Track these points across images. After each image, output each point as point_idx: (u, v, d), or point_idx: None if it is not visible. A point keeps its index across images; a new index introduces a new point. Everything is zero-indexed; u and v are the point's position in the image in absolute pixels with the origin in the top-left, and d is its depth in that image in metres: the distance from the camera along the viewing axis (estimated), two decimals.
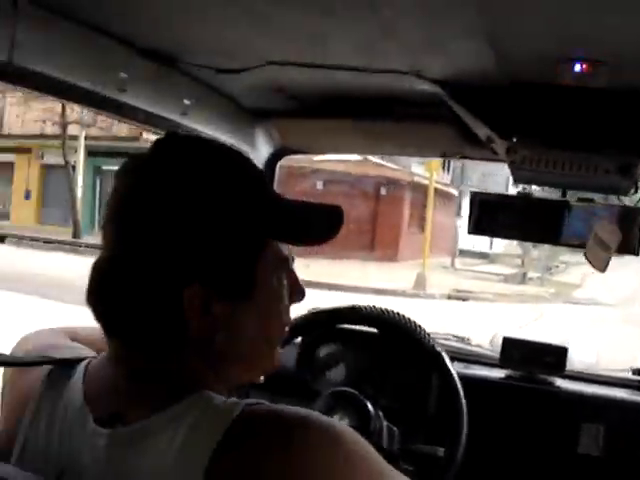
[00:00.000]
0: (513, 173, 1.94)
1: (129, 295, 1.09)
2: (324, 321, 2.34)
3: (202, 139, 1.26)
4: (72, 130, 25.80)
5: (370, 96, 2.06)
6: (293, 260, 1.24)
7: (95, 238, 24.75)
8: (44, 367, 1.22)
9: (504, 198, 2.19)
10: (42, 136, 28.19)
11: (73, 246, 23.23)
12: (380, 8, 1.34)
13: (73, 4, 1.44)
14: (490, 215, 2.13)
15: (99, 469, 1.06)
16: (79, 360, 1.21)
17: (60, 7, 1.44)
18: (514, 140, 1.80)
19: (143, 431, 1.05)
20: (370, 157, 22.79)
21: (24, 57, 1.39)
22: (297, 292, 1.24)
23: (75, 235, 24.86)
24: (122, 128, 25.78)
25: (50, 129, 27.39)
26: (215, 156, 1.16)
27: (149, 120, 1.84)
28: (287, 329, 1.25)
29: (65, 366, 1.20)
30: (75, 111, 25.89)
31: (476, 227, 2.15)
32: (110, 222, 1.13)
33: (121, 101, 1.70)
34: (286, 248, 1.21)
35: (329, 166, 22.39)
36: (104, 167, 27.26)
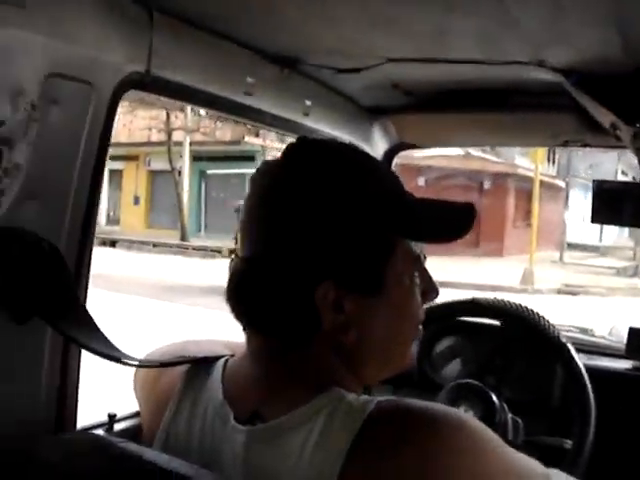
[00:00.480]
0: None
1: (268, 293, 1.14)
2: (445, 314, 2.35)
3: (331, 142, 1.31)
4: (177, 136, 26.58)
5: (488, 87, 2.05)
6: (425, 258, 1.26)
7: (202, 240, 25.48)
8: (182, 367, 1.28)
9: (628, 186, 2.14)
10: (149, 143, 29.22)
11: (181, 248, 23.95)
12: (504, 0, 1.34)
13: (203, 13, 1.51)
14: (613, 203, 2.09)
15: (238, 466, 1.11)
16: (216, 358, 1.27)
17: (191, 17, 1.52)
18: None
19: (279, 428, 1.09)
20: (472, 151, 22.46)
21: (160, 66, 1.48)
22: (430, 291, 1.25)
23: (182, 238, 25.61)
24: (225, 133, 26.40)
25: (156, 136, 28.33)
26: (345, 158, 1.20)
27: (273, 122, 1.91)
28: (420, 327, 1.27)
29: (203, 365, 1.26)
30: (179, 118, 26.70)
31: (599, 216, 2.11)
32: (248, 224, 1.19)
33: (247, 104, 1.77)
34: (418, 247, 1.22)
35: (432, 162, 22.19)
36: (208, 171, 27.98)
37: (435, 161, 22.40)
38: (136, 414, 1.66)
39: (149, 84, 1.49)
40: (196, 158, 27.04)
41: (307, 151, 1.21)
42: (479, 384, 2.09)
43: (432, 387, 2.19)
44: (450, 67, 1.81)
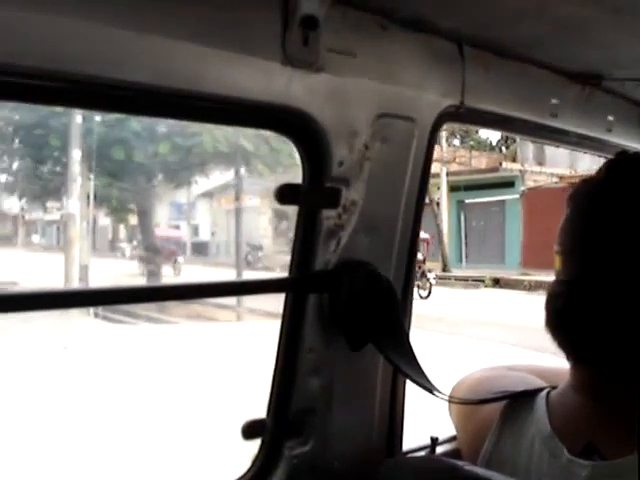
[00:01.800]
0: None
1: (596, 320, 1.10)
2: None
3: None
4: (433, 169, 26.82)
5: None
6: None
7: (462, 271, 25.30)
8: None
9: None
10: None
11: (443, 279, 23.99)
12: None
13: (510, 41, 1.53)
14: None
15: None
16: (536, 392, 1.25)
17: (498, 47, 1.54)
18: None
19: (622, 468, 1.05)
20: None
21: (473, 98, 1.51)
22: None
23: (444, 268, 25.66)
24: (480, 161, 26.21)
25: None
26: None
27: (577, 141, 1.87)
28: None
29: (523, 398, 1.25)
30: (435, 150, 26.95)
31: None
32: (570, 246, 1.16)
33: (552, 126, 1.75)
34: None
35: None
36: (466, 200, 27.86)
37: None
38: (453, 438, 1.68)
39: (463, 115, 1.54)
40: (453, 188, 27.06)
41: (630, 167, 1.17)
42: None
43: None
44: None
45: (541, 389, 1.26)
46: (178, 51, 1.07)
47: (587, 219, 1.16)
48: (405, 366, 1.36)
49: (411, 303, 1.57)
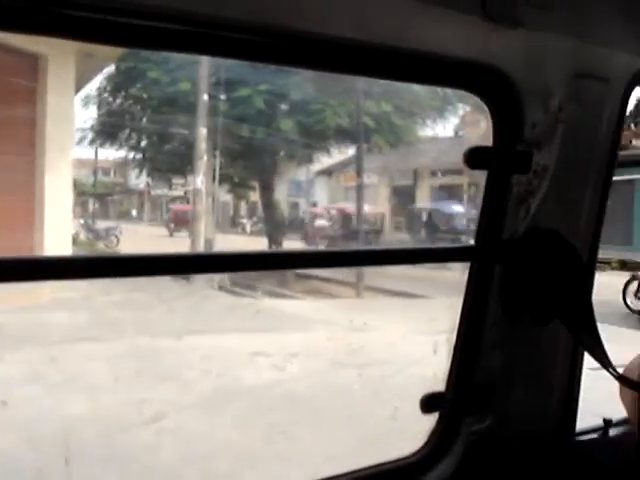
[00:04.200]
0: None
1: None
2: None
3: None
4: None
5: None
6: None
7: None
8: None
9: None
10: None
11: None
12: None
13: None
14: None
15: None
16: None
17: None
18: None
19: None
20: None
21: None
22: None
23: None
24: None
25: None
26: None
27: None
28: None
29: None
30: None
31: None
32: None
33: None
34: None
35: None
36: None
37: None
38: (626, 420, 1.59)
39: None
40: None
41: None
42: None
43: None
44: None
45: None
46: (380, 5, 1.03)
47: None
48: (589, 343, 1.30)
49: (594, 273, 1.49)
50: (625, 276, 12.15)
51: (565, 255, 1.30)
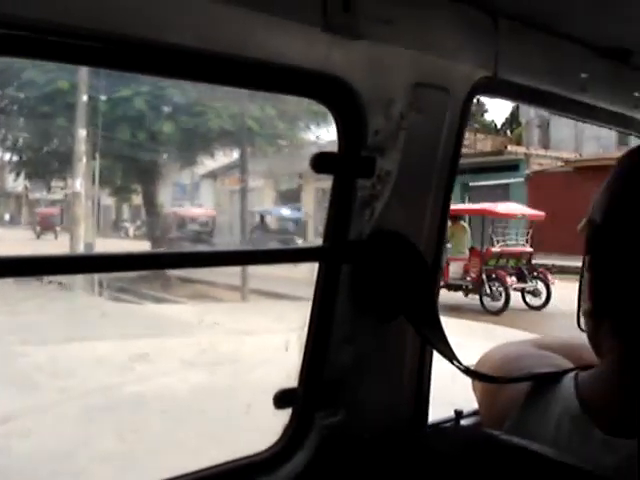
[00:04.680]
0: None
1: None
2: None
3: None
4: None
5: None
6: None
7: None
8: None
9: None
10: None
11: None
12: None
13: (543, 14, 1.51)
14: None
15: (621, 475, 1.07)
16: (564, 372, 1.23)
17: (532, 19, 1.52)
18: None
19: None
20: None
21: (506, 70, 1.50)
22: None
23: None
24: (485, 144, 26.09)
25: None
26: None
27: (605, 117, 1.85)
28: None
29: (549, 378, 1.23)
30: None
31: None
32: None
33: (581, 101, 1.73)
34: None
35: None
36: (470, 183, 27.75)
37: None
38: (476, 412, 1.68)
39: (496, 88, 1.53)
40: (459, 172, 26.93)
41: None
42: None
43: None
44: None
45: (568, 370, 1.25)
46: (220, 14, 1.06)
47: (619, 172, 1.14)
48: (433, 338, 1.36)
49: (439, 274, 1.57)
50: None
51: (408, 255, 1.37)
